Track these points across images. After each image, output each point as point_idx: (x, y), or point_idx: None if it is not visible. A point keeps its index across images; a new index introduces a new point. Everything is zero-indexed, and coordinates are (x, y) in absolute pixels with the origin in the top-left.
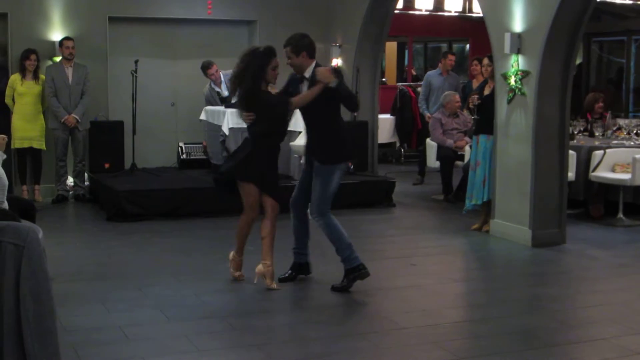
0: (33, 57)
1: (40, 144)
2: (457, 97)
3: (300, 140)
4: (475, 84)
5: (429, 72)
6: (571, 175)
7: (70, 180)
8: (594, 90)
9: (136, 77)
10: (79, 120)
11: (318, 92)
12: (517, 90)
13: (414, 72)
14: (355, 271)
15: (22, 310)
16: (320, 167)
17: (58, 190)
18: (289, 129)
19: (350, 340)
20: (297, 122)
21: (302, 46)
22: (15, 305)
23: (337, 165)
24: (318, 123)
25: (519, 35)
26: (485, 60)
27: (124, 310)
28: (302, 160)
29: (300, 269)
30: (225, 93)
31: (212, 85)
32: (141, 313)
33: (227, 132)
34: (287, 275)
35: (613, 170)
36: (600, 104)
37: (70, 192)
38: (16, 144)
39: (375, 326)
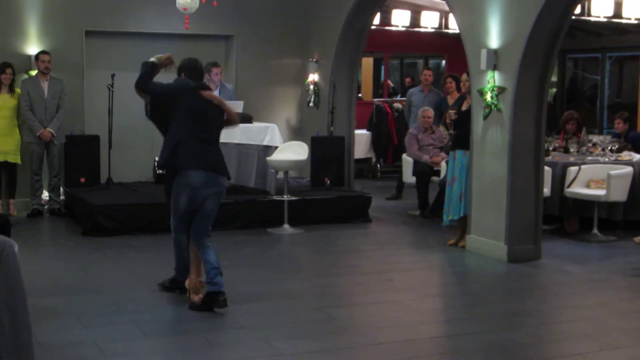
0: (9, 70)
1: (15, 158)
2: (429, 112)
3: (277, 155)
4: (450, 100)
5: (411, 89)
6: (546, 191)
7: (45, 195)
8: (571, 109)
9: (112, 91)
10: (55, 134)
11: None
12: (493, 107)
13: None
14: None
15: None
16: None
17: (33, 205)
18: (265, 143)
19: (327, 355)
20: (273, 137)
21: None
22: None
23: (176, 177)
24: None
25: (495, 51)
26: (464, 76)
27: (100, 325)
28: (279, 175)
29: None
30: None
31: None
32: (117, 328)
33: None
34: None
35: (588, 186)
36: (571, 126)
37: (46, 207)
38: None
39: (351, 341)
